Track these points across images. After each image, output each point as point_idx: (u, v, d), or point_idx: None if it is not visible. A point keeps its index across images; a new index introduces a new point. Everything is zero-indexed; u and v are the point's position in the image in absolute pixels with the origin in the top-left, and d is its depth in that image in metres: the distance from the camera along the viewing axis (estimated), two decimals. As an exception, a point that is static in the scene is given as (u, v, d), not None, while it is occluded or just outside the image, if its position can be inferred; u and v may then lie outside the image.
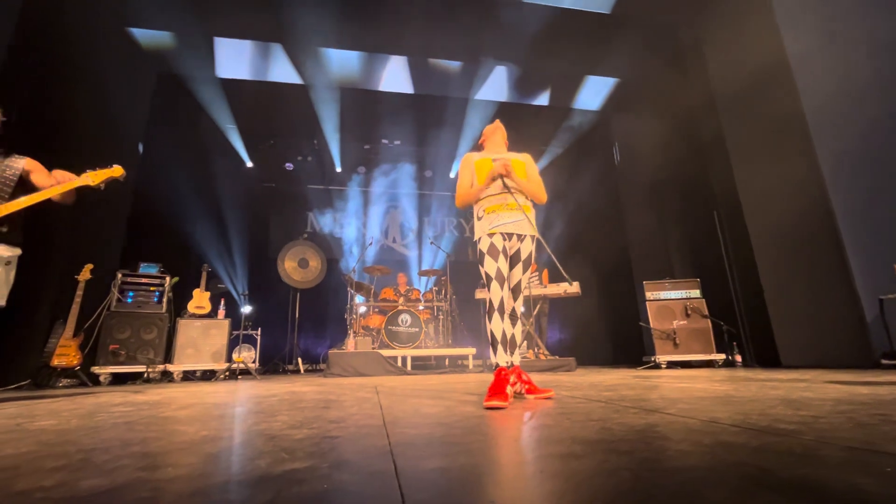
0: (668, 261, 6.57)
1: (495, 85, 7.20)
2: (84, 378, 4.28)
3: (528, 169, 2.35)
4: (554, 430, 1.25)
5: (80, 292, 4.37)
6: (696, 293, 5.31)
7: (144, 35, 5.89)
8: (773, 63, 4.85)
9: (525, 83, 7.26)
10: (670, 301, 5.33)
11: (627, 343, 6.80)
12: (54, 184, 2.53)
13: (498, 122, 2.48)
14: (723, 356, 4.93)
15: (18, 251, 2.51)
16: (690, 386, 2.53)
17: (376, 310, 6.26)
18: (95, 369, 4.43)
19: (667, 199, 6.72)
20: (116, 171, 2.68)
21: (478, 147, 2.53)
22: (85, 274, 4.42)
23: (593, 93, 7.50)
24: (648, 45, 6.27)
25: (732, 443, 1.00)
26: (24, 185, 2.53)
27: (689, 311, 5.20)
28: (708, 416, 1.40)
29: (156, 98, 6.46)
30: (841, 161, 4.44)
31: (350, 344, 5.38)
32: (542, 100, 7.61)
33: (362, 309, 6.24)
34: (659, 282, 5.48)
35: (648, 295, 5.44)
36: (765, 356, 4.88)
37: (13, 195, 2.47)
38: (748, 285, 5.16)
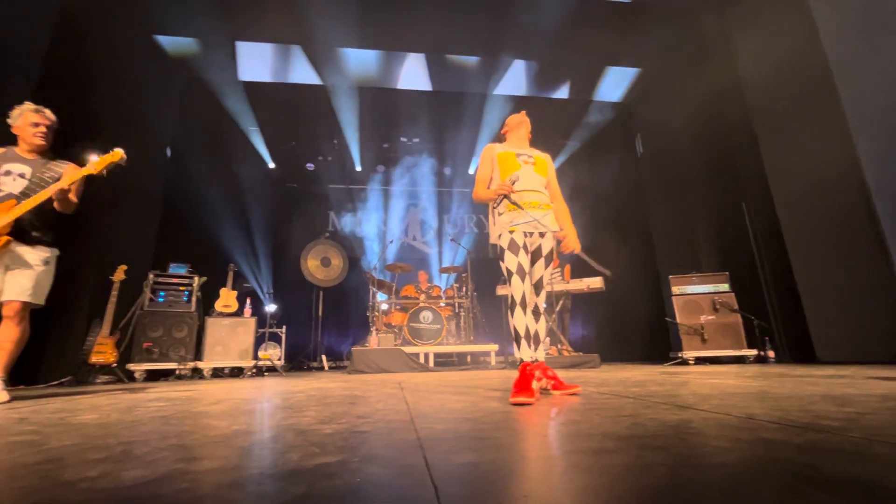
0: (694, 254, 6.39)
1: (514, 79, 7.13)
2: (121, 375, 4.46)
3: (549, 169, 2.32)
4: (583, 425, 1.23)
5: (115, 292, 4.54)
6: (725, 287, 5.16)
7: (171, 42, 6.06)
8: (806, 46, 4.64)
9: (544, 76, 7.16)
10: (697, 295, 5.20)
11: (653, 339, 6.65)
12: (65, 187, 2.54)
13: (523, 114, 2.41)
14: (754, 352, 4.78)
15: (56, 251, 2.62)
16: (722, 382, 2.46)
17: (398, 307, 6.30)
18: (131, 366, 4.61)
19: (692, 191, 6.53)
20: (116, 154, 2.62)
21: (500, 137, 2.49)
22: (119, 275, 4.60)
23: (614, 84, 7.35)
24: (671, 33, 6.10)
25: (773, 440, 0.96)
26: None
27: (718, 306, 5.05)
28: (744, 412, 1.35)
29: (182, 103, 6.65)
30: (881, 147, 4.22)
31: (373, 341, 5.43)
32: (562, 93, 7.50)
33: (384, 306, 6.29)
34: (685, 276, 5.35)
35: (674, 289, 5.32)
36: (799, 351, 4.70)
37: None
38: (780, 278, 4.98)
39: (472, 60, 6.83)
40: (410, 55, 6.71)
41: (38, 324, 2.63)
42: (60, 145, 2.77)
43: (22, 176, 2.53)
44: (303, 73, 6.82)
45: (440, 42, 6.42)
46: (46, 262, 2.56)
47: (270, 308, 6.58)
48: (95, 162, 2.60)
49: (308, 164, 8.63)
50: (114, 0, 4.98)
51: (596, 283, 5.64)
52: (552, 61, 6.80)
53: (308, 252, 7.26)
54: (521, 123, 2.38)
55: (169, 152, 6.46)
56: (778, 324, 5.09)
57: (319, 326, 7.17)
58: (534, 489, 0.69)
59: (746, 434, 1.03)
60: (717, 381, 2.56)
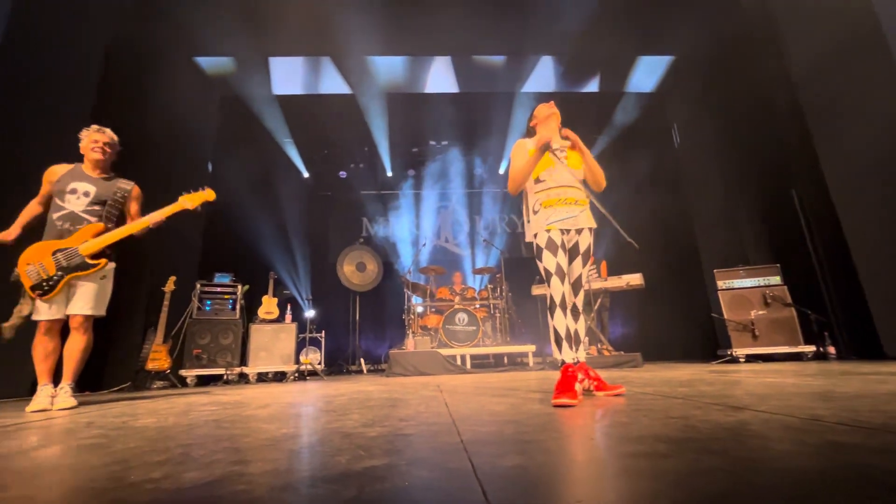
0: (741, 246, 6.08)
1: (542, 76, 7.04)
2: (174, 380, 4.70)
3: (584, 156, 2.26)
4: (632, 427, 1.19)
5: (166, 302, 4.80)
6: (776, 280, 4.88)
7: (209, 62, 6.36)
8: (858, 15, 4.34)
9: (573, 71, 7.04)
10: (746, 290, 4.94)
11: (698, 337, 6.38)
12: (136, 216, 2.81)
13: (552, 105, 2.32)
14: (812, 348, 4.48)
15: (113, 265, 2.80)
16: (779, 381, 2.32)
17: (433, 309, 6.33)
18: (183, 372, 4.85)
19: (736, 180, 6.21)
20: (210, 194, 2.97)
21: (529, 131, 2.41)
22: (169, 285, 4.85)
23: (646, 74, 7.12)
24: (707, 15, 5.84)
25: (844, 443, 0.89)
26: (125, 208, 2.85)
27: (769, 300, 4.78)
28: (807, 413, 1.27)
29: (220, 119, 6.96)
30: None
31: (409, 344, 5.48)
32: (592, 86, 7.34)
33: (419, 309, 6.33)
34: (732, 269, 5.10)
35: (720, 284, 5.08)
36: (863, 347, 4.36)
37: (119, 217, 2.79)
38: (839, 268, 4.65)
39: (498, 60, 6.80)
40: (437, 58, 6.76)
41: (100, 334, 2.81)
42: (116, 163, 2.96)
43: (86, 195, 2.72)
44: (332, 83, 7.00)
45: (466, 43, 6.42)
46: (104, 276, 2.73)
47: (310, 314, 6.77)
48: (189, 197, 2.92)
49: (340, 172, 8.83)
50: (157, 26, 5.27)
51: (635, 279, 5.46)
52: (581, 55, 6.66)
53: (343, 258, 7.42)
54: (550, 116, 2.29)
55: (210, 167, 6.77)
56: (838, 317, 4.76)
57: (357, 330, 7.31)
58: (586, 494, 0.67)
59: (813, 437, 0.96)
60: (774, 379, 2.42)
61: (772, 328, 4.70)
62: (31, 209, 2.74)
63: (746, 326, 4.77)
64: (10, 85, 3.77)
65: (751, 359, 4.68)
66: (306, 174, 8.62)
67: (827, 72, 4.72)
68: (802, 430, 1.04)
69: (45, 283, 2.51)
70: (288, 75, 6.85)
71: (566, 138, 2.18)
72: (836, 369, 3.00)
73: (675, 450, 0.90)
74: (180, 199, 2.91)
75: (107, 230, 2.71)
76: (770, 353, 4.64)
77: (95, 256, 2.66)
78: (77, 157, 2.83)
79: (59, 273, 2.54)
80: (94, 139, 2.80)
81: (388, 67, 6.80)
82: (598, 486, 0.72)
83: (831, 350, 4.46)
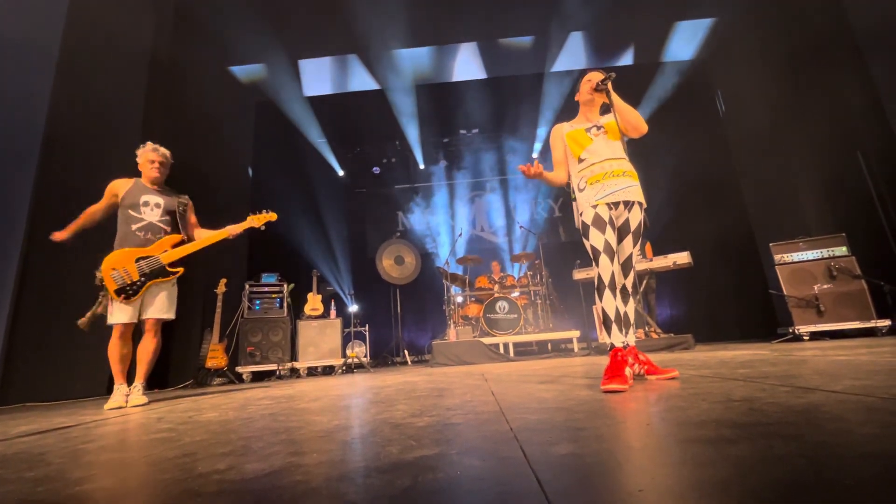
0: (799, 217, 5.66)
1: (572, 53, 6.81)
2: (232, 377, 4.96)
3: (614, 107, 2.12)
4: (690, 412, 1.13)
5: (219, 303, 5.06)
6: (843, 250, 4.50)
7: (242, 70, 6.59)
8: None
9: (604, 45, 6.75)
10: (807, 263, 4.60)
11: (754, 315, 6.03)
12: (196, 226, 3.11)
13: (589, 75, 2.13)
14: (887, 322, 4.12)
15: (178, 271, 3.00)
16: (851, 358, 2.15)
17: (473, 299, 6.32)
18: (239, 369, 5.11)
19: (790, 146, 5.77)
20: (272, 216, 3.33)
21: (574, 105, 2.28)
22: (221, 287, 5.11)
23: (684, 41, 6.73)
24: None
25: (940, 424, 0.81)
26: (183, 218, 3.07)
27: (835, 272, 4.43)
28: (890, 392, 1.16)
29: (256, 125, 7.20)
30: None
31: (451, 334, 5.51)
32: (626, 59, 7.02)
33: (459, 299, 6.34)
34: (790, 242, 4.75)
35: (777, 258, 4.75)
36: (948, 318, 3.98)
37: (174, 227, 2.98)
38: (916, 235, 4.25)
39: (525, 41, 6.62)
40: (462, 46, 6.68)
41: (164, 335, 3.00)
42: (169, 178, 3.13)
43: (157, 206, 2.95)
44: (361, 80, 7.08)
45: (491, 27, 6.30)
46: (173, 284, 2.97)
47: (353, 308, 6.93)
48: (256, 217, 3.25)
49: (374, 168, 8.93)
50: (194, 42, 5.48)
51: (682, 258, 5.20)
52: (612, 27, 6.37)
53: (382, 252, 7.53)
54: (584, 85, 2.15)
55: (251, 171, 7.03)
56: (916, 288, 4.35)
57: (399, 323, 7.42)
58: (648, 482, 0.64)
59: (900, 418, 0.87)
60: (846, 357, 2.24)
61: (839, 303, 4.36)
62: (92, 214, 2.88)
63: (810, 302, 4.45)
64: (68, 104, 4.04)
65: (816, 336, 4.37)
66: (341, 172, 8.78)
67: (891, 16, 4.27)
68: (888, 410, 0.95)
69: (128, 288, 2.72)
70: (317, 76, 6.99)
71: (600, 89, 2.04)
72: (917, 344, 2.74)
73: (742, 435, 0.84)
74: (249, 218, 3.22)
75: (183, 241, 2.96)
76: (838, 330, 4.31)
77: (174, 265, 2.90)
78: (132, 171, 3.01)
79: (142, 279, 2.76)
80: (151, 158, 2.97)
81: (414, 59, 6.79)
82: (659, 473, 0.69)
83: (910, 323, 4.09)
